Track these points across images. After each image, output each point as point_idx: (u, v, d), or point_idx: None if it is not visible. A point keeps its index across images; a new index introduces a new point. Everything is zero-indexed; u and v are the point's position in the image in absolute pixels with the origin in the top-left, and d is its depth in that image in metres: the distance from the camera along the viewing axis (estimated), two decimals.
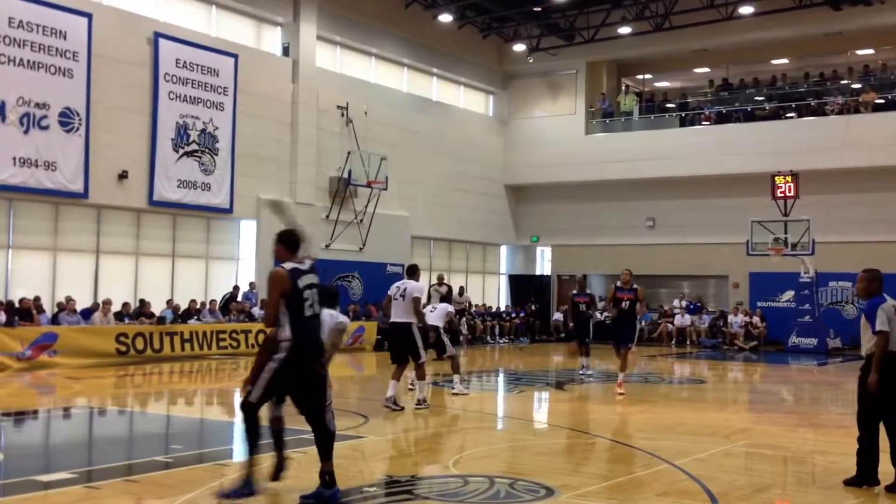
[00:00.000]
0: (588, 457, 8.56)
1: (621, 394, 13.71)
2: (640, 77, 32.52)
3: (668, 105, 30.84)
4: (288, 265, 6.48)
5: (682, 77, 31.88)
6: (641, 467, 8.06)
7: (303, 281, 6.45)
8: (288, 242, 6.67)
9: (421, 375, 11.68)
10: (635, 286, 14.17)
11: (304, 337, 6.43)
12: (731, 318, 26.92)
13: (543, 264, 32.58)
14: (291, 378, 6.50)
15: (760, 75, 29.58)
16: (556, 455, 8.79)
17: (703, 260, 28.21)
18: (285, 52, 23.62)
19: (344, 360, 20.35)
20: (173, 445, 9.46)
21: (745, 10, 25.95)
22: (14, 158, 17.50)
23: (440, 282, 21.97)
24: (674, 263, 28.74)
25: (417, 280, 12.02)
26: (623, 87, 31.50)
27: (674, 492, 7.11)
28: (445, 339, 12.91)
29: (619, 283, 14.73)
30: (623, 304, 14.29)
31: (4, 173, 17.38)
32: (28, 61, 17.72)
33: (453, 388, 13.25)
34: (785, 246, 24.22)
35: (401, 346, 11.70)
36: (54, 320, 17.64)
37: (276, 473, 6.91)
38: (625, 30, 27.87)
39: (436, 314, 13.12)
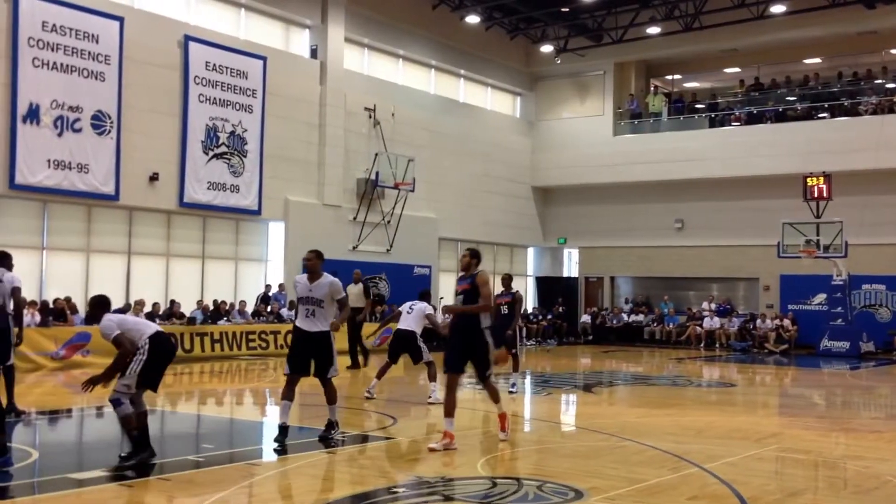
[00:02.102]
0: (616, 459, 8.51)
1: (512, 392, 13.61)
2: (669, 77, 32.28)
3: (698, 106, 30.58)
4: None
5: (711, 77, 31.62)
6: (670, 470, 7.99)
7: None
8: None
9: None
10: (513, 290, 14.05)
11: None
12: (759, 321, 26.67)
13: (571, 266, 32.46)
14: None
15: (792, 75, 29.26)
16: (585, 457, 8.75)
17: (733, 262, 27.95)
18: (313, 54, 23.75)
19: (371, 361, 20.40)
20: (204, 445, 9.53)
21: (777, 8, 25.68)
22: (48, 161, 17.76)
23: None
24: (703, 265, 28.51)
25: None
26: (652, 88, 31.29)
27: (704, 496, 7.05)
28: (421, 344, 12.59)
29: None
30: (502, 309, 14.20)
31: (39, 175, 17.63)
32: (61, 65, 17.96)
33: (430, 397, 12.71)
34: (817, 248, 23.92)
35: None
36: (87, 321, 17.83)
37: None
38: (654, 30, 27.69)
39: (412, 316, 12.88)
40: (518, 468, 8.07)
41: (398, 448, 9.08)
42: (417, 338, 12.68)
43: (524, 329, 14.16)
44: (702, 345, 26.98)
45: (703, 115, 29.79)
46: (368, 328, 18.44)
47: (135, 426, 7.55)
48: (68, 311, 17.51)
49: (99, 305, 7.92)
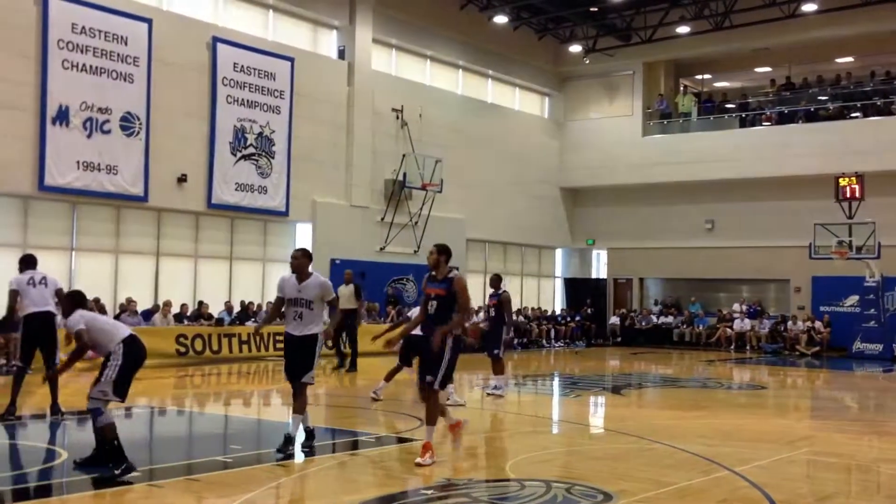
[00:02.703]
0: (646, 462, 8.40)
1: (499, 395, 13.43)
2: (699, 77, 32.02)
3: (728, 105, 30.30)
4: None
5: (742, 77, 31.30)
6: (700, 473, 7.88)
7: None
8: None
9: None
10: (501, 291, 13.83)
11: None
12: (790, 323, 26.34)
13: (599, 268, 32.27)
14: None
15: (824, 74, 28.87)
16: (614, 460, 8.65)
17: (764, 263, 27.62)
18: (341, 55, 23.78)
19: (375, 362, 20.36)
20: (232, 445, 9.52)
21: (808, 7, 25.37)
22: (77, 162, 17.91)
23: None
24: (733, 267, 28.22)
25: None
26: (681, 88, 31.05)
27: (735, 499, 6.94)
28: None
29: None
30: (489, 311, 14.03)
31: (68, 177, 17.78)
32: (90, 66, 18.11)
33: (448, 399, 12.86)
34: (849, 249, 23.59)
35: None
36: (116, 321, 17.95)
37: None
38: (683, 29, 27.46)
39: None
40: (547, 470, 7.98)
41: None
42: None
43: (511, 330, 13.90)
44: (732, 347, 26.69)
45: (734, 115, 29.49)
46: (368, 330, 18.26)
47: (115, 436, 7.26)
48: (96, 312, 17.60)
49: (72, 300, 7.83)
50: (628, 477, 7.63)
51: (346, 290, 17.30)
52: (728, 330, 27.15)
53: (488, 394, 13.44)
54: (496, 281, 13.83)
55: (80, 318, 7.55)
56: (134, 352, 7.56)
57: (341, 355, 17.71)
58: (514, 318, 23.63)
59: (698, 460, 8.46)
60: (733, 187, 27.97)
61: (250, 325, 19.62)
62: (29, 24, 17.31)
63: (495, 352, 13.60)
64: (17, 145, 17.13)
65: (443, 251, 8.34)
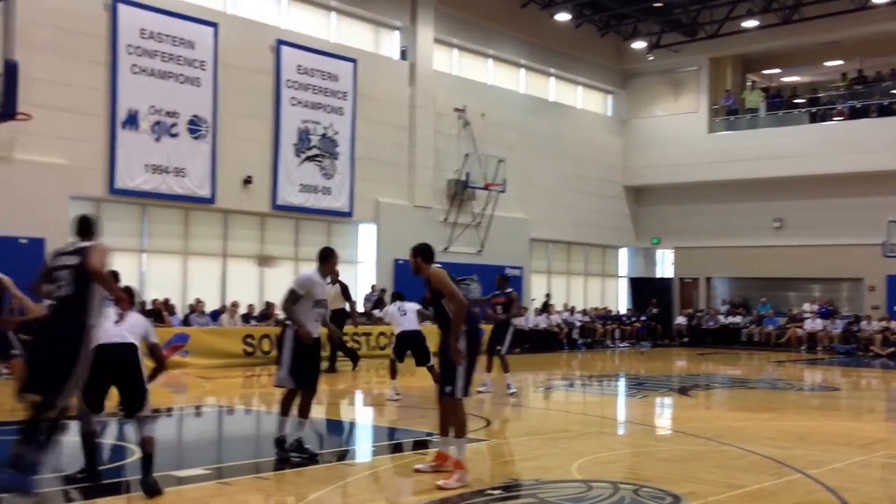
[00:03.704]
0: (715, 464, 8.21)
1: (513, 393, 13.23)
2: (767, 72, 31.34)
3: (798, 101, 29.56)
4: None
5: (812, 71, 30.54)
6: (772, 476, 7.67)
7: None
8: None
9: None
10: (508, 290, 13.56)
11: None
12: (864, 323, 25.58)
13: (665, 267, 31.80)
14: None
15: None
16: (682, 462, 8.48)
17: (836, 262, 26.88)
18: (403, 55, 23.87)
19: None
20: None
21: None
22: (146, 165, 18.30)
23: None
24: (804, 266, 27.52)
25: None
26: (748, 83, 30.41)
27: (808, 502, 6.76)
28: (427, 344, 11.99)
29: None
30: (497, 309, 13.75)
31: (138, 180, 18.19)
32: (158, 71, 18.49)
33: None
34: None
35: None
36: (185, 322, 18.32)
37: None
38: (750, 23, 26.89)
39: (408, 318, 12.71)
40: (613, 472, 7.86)
41: (491, 450, 8.97)
42: (424, 338, 12.62)
43: (511, 329, 13.67)
44: (803, 347, 26.06)
45: (803, 110, 28.78)
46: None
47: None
48: (165, 313, 17.99)
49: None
50: (697, 479, 7.47)
51: (332, 290, 16.40)
52: (798, 330, 26.51)
53: (509, 394, 13.24)
54: (503, 281, 13.90)
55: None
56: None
57: (354, 356, 17.47)
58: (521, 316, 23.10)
59: (769, 463, 8.24)
60: (803, 184, 27.28)
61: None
62: (99, 31, 17.74)
63: (498, 348, 13.52)
64: (89, 149, 17.58)
65: (418, 252, 7.69)
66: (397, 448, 9.04)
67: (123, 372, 6.69)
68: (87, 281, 6.19)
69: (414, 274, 7.72)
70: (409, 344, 12.71)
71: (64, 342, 6.13)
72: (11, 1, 9.26)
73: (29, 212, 16.37)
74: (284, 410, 8.11)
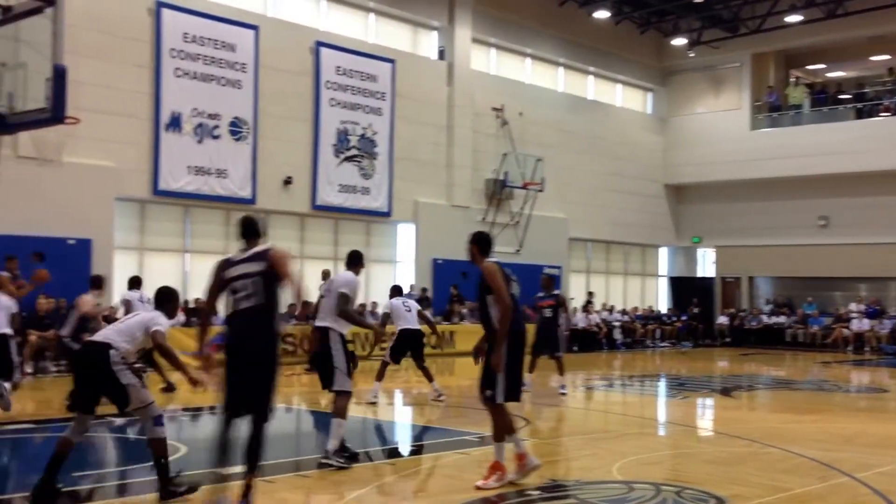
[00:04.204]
0: (759, 466, 8.09)
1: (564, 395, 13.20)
2: (811, 67, 30.82)
3: (843, 96, 29.04)
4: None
5: (857, 66, 29.98)
6: (818, 479, 7.55)
7: None
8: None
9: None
10: (555, 292, 13.31)
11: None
12: None
13: (706, 266, 31.44)
14: None
15: None
16: (725, 464, 8.37)
17: (884, 261, 26.35)
18: (441, 55, 23.89)
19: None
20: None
21: None
22: (189, 167, 18.53)
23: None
24: (850, 265, 27.03)
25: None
26: (792, 79, 29.94)
27: None
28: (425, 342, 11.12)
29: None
30: (545, 312, 13.51)
31: (181, 181, 18.43)
32: (201, 74, 18.71)
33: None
34: None
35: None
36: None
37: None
38: (794, 18, 26.46)
39: (412, 314, 12.34)
40: (655, 473, 7.79)
41: (531, 450, 8.90)
42: (423, 336, 12.54)
43: (560, 331, 13.54)
44: (849, 348, 25.59)
45: (849, 105, 28.27)
46: None
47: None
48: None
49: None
50: (741, 481, 7.38)
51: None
52: (845, 330, 26.04)
53: (560, 394, 13.26)
54: (548, 282, 13.59)
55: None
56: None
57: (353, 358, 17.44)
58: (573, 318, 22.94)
59: (815, 465, 8.11)
60: (849, 181, 26.79)
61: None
62: (143, 36, 18.01)
63: (557, 354, 13.49)
64: (133, 152, 17.86)
65: (474, 240, 7.38)
66: (436, 448, 9.04)
67: (97, 372, 6.40)
68: (274, 286, 5.95)
69: (469, 263, 7.40)
70: (410, 343, 12.39)
71: (265, 356, 5.93)
72: (59, 7, 9.40)
73: (76, 213, 16.69)
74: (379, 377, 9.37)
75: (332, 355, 7.97)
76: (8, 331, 10.35)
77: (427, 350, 21.35)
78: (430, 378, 12.51)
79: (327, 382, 8.09)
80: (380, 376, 12.26)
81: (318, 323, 8.17)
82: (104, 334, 6.64)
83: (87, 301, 10.91)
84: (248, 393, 5.90)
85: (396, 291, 12.87)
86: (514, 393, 7.11)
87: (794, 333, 27.27)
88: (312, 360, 8.35)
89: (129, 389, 6.38)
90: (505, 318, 6.87)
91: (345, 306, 8.09)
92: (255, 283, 5.90)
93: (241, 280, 5.93)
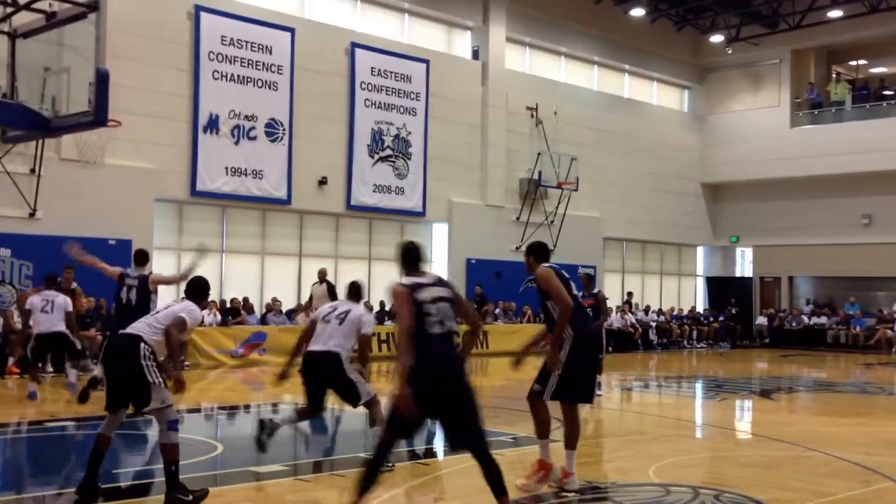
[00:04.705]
0: (800, 471, 7.96)
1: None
2: (853, 63, 30.33)
3: (886, 92, 28.51)
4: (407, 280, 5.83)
5: None
6: (861, 484, 7.41)
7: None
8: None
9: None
10: (596, 291, 12.88)
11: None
12: None
13: (744, 266, 31.06)
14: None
15: None
16: (764, 467, 8.24)
17: None
18: (475, 55, 23.86)
19: (536, 362, 20.21)
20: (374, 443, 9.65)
21: None
22: (226, 168, 18.71)
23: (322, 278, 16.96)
24: (894, 264, 26.53)
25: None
26: (833, 75, 29.50)
27: None
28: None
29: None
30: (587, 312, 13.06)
31: (217, 182, 18.60)
32: (238, 76, 18.88)
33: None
34: None
35: None
36: (263, 320, 18.66)
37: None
38: (835, 13, 26.08)
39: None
40: (692, 476, 7.69)
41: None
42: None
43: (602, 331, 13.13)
44: (893, 350, 25.11)
45: (892, 101, 27.77)
46: None
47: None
48: (244, 312, 18.35)
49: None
50: (781, 486, 7.26)
51: (319, 289, 16.21)
52: (889, 331, 25.54)
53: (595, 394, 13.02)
54: (588, 280, 12.99)
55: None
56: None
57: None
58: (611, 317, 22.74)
59: (859, 470, 7.96)
60: (892, 179, 26.29)
61: (390, 324, 19.92)
62: (182, 39, 18.22)
63: (600, 357, 13.15)
64: (172, 153, 18.07)
65: (529, 251, 7.31)
66: None
67: (126, 364, 6.30)
68: (456, 314, 5.78)
69: (528, 273, 7.31)
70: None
71: (468, 382, 5.72)
72: (102, 12, 9.52)
73: (117, 214, 16.92)
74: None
75: (345, 372, 7.68)
76: (63, 329, 11.32)
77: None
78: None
79: (353, 399, 7.75)
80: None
81: (325, 347, 7.64)
82: (136, 327, 6.50)
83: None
84: (471, 423, 5.67)
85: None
86: (581, 394, 6.99)
87: (836, 334, 26.83)
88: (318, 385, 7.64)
89: (152, 388, 6.23)
90: (563, 319, 6.78)
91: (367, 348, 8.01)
92: (450, 308, 5.73)
93: (437, 303, 5.68)
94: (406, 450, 8.61)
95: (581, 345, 6.90)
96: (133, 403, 6.38)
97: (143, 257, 11.28)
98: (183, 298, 6.86)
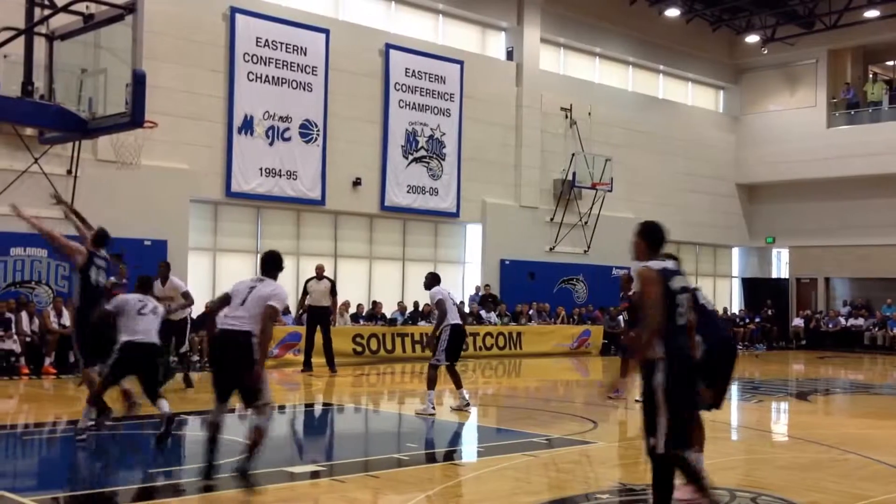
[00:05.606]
0: (837, 473, 7.88)
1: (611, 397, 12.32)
2: (890, 63, 29.87)
3: None
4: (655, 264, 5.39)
5: None
6: None
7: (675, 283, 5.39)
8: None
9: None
10: (633, 292, 12.17)
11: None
12: None
13: (780, 267, 30.73)
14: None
15: None
16: (802, 470, 8.17)
17: None
18: (509, 56, 23.85)
19: (569, 363, 20.19)
20: (408, 444, 9.71)
21: None
22: (261, 169, 18.87)
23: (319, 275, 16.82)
24: None
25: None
26: (870, 75, 29.08)
27: None
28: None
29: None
30: (623, 315, 12.71)
31: (252, 183, 18.77)
32: (273, 77, 19.04)
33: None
34: None
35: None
36: (298, 321, 18.76)
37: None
38: (872, 13, 25.72)
39: (457, 308, 11.12)
40: (729, 478, 7.63)
41: (600, 453, 8.85)
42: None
43: None
44: None
45: None
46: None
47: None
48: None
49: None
50: (819, 488, 7.19)
51: (318, 286, 16.13)
52: None
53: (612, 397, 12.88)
54: (628, 282, 12.35)
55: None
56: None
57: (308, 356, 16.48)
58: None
59: None
60: None
61: (424, 325, 20.01)
62: (217, 40, 18.40)
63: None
64: (207, 154, 18.26)
65: (641, 232, 5.75)
66: (503, 450, 9.02)
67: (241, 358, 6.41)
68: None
69: (634, 258, 5.85)
70: (462, 340, 11.19)
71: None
72: (139, 14, 9.64)
73: (153, 215, 17.11)
74: (433, 384, 10.62)
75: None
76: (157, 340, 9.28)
77: (494, 351, 21.45)
78: (459, 384, 11.35)
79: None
80: (433, 384, 10.93)
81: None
82: (241, 318, 6.39)
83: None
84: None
85: (434, 280, 11.30)
86: (681, 438, 5.49)
87: (873, 336, 26.45)
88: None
89: (262, 385, 6.49)
90: (648, 344, 5.33)
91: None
92: (690, 298, 5.52)
93: (684, 294, 5.44)
94: (443, 450, 8.64)
95: (681, 374, 5.46)
96: (243, 400, 6.64)
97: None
98: (261, 278, 6.68)
